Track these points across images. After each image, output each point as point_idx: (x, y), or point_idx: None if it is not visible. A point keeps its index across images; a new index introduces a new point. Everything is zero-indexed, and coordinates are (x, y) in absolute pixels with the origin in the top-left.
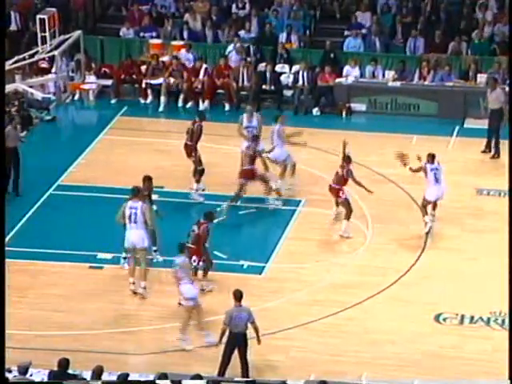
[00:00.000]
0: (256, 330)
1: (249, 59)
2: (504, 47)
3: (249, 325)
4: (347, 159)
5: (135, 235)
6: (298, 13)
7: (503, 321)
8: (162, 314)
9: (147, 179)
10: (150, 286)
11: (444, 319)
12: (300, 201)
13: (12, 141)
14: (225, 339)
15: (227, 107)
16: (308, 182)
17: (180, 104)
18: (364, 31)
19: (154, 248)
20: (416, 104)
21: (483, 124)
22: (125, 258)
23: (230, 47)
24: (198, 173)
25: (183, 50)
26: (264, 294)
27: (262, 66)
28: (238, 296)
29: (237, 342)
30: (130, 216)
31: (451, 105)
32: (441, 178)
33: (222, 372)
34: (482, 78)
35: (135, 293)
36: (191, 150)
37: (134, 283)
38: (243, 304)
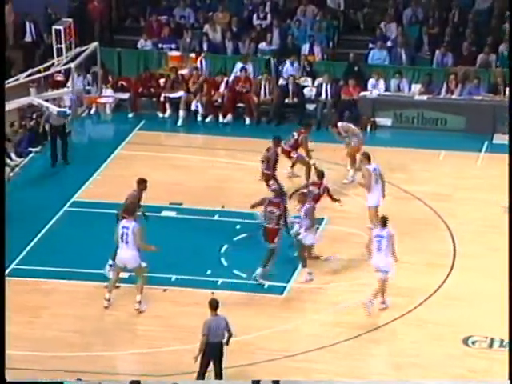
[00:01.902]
0: (230, 336)
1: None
2: None
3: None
4: (321, 176)
5: (126, 255)
6: (321, 24)
7: None
8: (179, 335)
9: (142, 181)
10: (165, 307)
11: (473, 342)
12: (323, 218)
13: (55, 120)
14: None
15: (247, 121)
16: (328, 199)
17: (199, 118)
18: (389, 43)
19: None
20: (443, 118)
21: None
22: (111, 266)
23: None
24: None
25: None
26: (285, 314)
27: (283, 79)
28: (214, 305)
29: (214, 352)
30: (121, 235)
31: (479, 119)
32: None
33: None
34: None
35: (106, 307)
36: (269, 178)
37: (109, 300)
38: (219, 314)
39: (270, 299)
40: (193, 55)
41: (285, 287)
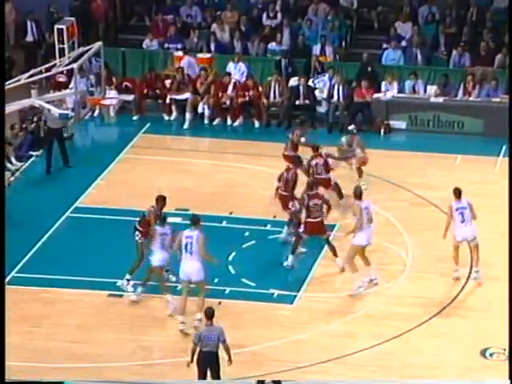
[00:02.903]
0: (227, 349)
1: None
2: None
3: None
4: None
5: (191, 267)
6: (333, 23)
7: None
8: (185, 346)
9: (161, 199)
10: (173, 317)
11: (491, 354)
12: (334, 225)
13: (52, 122)
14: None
15: (257, 124)
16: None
17: (206, 121)
18: (404, 43)
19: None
20: (460, 121)
21: None
22: (128, 280)
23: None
24: (294, 225)
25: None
26: (295, 324)
27: (294, 81)
28: (209, 314)
29: (208, 361)
30: (186, 246)
31: (498, 122)
32: (468, 217)
33: None
34: None
35: (184, 333)
36: (288, 200)
37: (183, 323)
38: (215, 323)
39: (280, 308)
40: (201, 55)
41: (295, 296)
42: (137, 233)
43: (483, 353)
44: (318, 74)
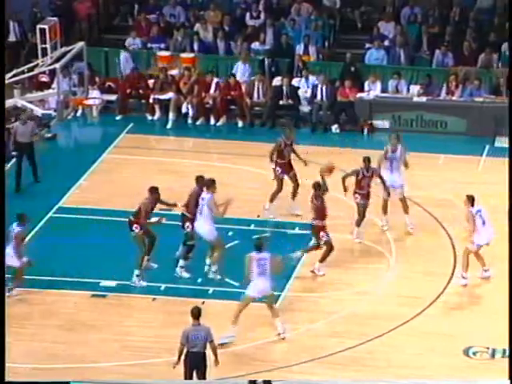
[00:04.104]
0: (214, 349)
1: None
2: None
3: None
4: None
5: (264, 284)
6: (316, 23)
7: None
8: (168, 345)
9: (155, 190)
10: (154, 316)
11: (474, 353)
12: None
13: (21, 136)
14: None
15: (240, 124)
16: (329, 206)
17: (190, 121)
18: (387, 42)
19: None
20: (443, 121)
21: None
22: (138, 276)
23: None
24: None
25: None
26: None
27: (277, 80)
28: (196, 314)
29: (194, 361)
30: (258, 266)
31: (481, 122)
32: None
33: None
34: None
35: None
36: (319, 230)
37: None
38: (202, 323)
39: (264, 308)
40: (184, 55)
41: (279, 296)
42: (134, 226)
43: (466, 352)
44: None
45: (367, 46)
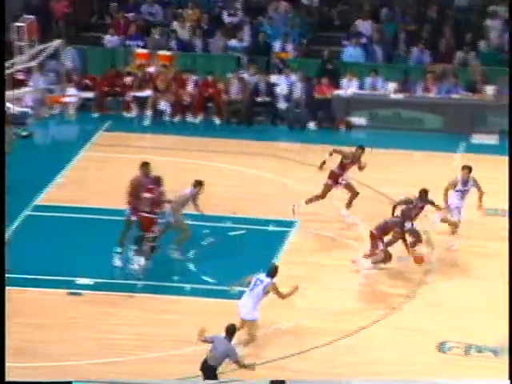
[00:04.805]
0: (238, 366)
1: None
2: None
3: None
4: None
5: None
6: (293, 20)
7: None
8: (145, 343)
9: (145, 165)
10: (132, 314)
11: (449, 348)
12: (295, 222)
13: None
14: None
15: (217, 121)
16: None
17: (167, 118)
18: (364, 40)
19: None
20: (420, 118)
21: (491, 140)
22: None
23: None
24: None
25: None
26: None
27: (254, 78)
28: (230, 330)
29: (206, 372)
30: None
31: (457, 119)
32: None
33: None
34: (490, 90)
35: None
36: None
37: None
38: (234, 341)
39: (230, 305)
40: (162, 52)
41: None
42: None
43: (441, 347)
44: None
45: (344, 43)
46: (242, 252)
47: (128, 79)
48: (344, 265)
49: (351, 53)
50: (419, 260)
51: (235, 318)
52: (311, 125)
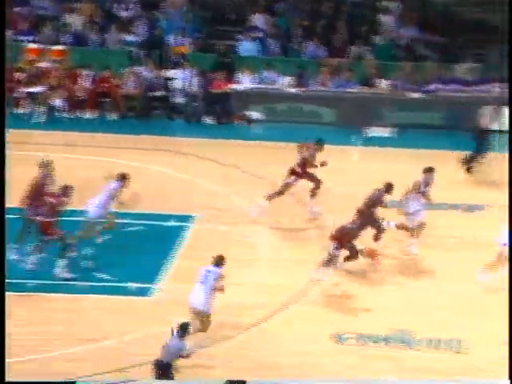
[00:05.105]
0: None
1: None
2: (408, 52)
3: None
4: None
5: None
6: (189, 14)
7: (407, 340)
8: (37, 342)
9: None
10: (24, 313)
11: (344, 339)
12: (193, 216)
13: None
14: None
15: (113, 116)
16: (202, 197)
17: (60, 114)
18: (260, 34)
19: None
20: (316, 112)
21: (385, 132)
22: None
23: None
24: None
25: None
26: (152, 317)
27: (150, 72)
28: (182, 327)
29: (159, 369)
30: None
31: (352, 112)
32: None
33: None
34: (384, 84)
35: None
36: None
37: None
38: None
39: (138, 301)
40: (55, 47)
41: (153, 288)
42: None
43: (337, 338)
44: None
45: (240, 37)
46: (141, 248)
47: (19, 75)
48: (240, 259)
49: (247, 47)
50: (372, 253)
51: (132, 312)
52: (208, 119)
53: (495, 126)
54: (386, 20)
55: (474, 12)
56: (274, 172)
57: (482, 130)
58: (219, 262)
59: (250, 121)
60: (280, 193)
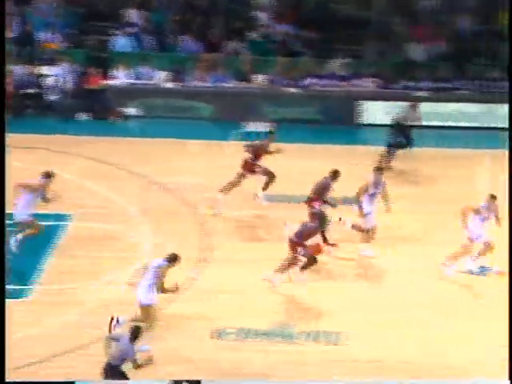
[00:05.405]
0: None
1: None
2: (283, 47)
3: None
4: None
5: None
6: (60, 10)
7: (288, 334)
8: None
9: None
10: None
11: (224, 334)
12: (68, 215)
13: None
14: None
15: None
16: (78, 195)
17: None
18: (135, 29)
19: None
20: (192, 107)
21: (262, 127)
22: None
23: None
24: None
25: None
26: (30, 318)
27: (22, 69)
28: (133, 330)
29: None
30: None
31: (229, 107)
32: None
33: None
34: (260, 79)
35: None
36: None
37: None
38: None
39: (13, 304)
40: None
41: (28, 290)
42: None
43: (217, 334)
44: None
45: (115, 33)
46: (16, 248)
47: None
48: (121, 258)
49: (122, 42)
50: (316, 249)
51: (6, 315)
52: (82, 116)
53: (413, 122)
54: (262, 16)
55: (349, 8)
56: (149, 169)
57: (400, 125)
58: (170, 258)
59: (126, 117)
60: (234, 185)
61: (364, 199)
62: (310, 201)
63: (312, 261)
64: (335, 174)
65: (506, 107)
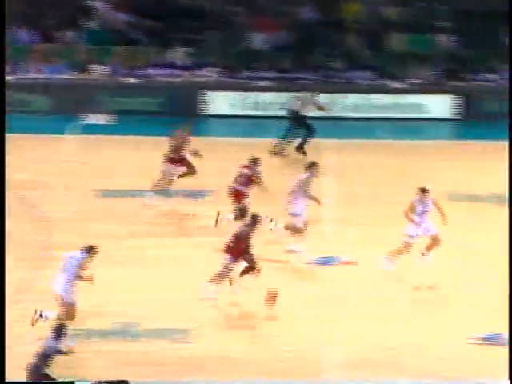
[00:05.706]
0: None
1: None
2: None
3: None
4: None
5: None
6: None
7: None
8: None
9: None
10: None
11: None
12: None
13: None
14: None
15: None
16: None
17: None
18: None
19: None
20: (26, 100)
21: (102, 120)
22: None
23: None
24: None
25: None
26: None
27: None
28: (55, 329)
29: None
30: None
31: (68, 99)
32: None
33: None
34: (99, 69)
35: None
36: None
37: None
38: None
39: None
40: None
41: None
42: None
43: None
44: None
45: None
46: None
47: None
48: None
49: None
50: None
51: None
52: None
53: (308, 112)
54: (98, 5)
55: None
56: None
57: (296, 115)
58: (87, 250)
59: None
60: (167, 182)
61: (296, 198)
62: (235, 193)
63: (254, 265)
64: (255, 161)
65: (350, 97)
